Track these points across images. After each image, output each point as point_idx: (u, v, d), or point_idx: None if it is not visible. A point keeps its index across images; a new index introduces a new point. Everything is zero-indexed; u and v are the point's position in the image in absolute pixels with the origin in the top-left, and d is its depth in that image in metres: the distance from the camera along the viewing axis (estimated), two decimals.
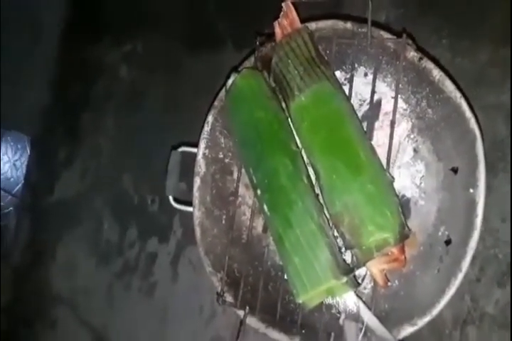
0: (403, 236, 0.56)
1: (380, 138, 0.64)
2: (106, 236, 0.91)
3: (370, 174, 0.58)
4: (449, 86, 0.60)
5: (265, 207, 0.60)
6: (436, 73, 0.60)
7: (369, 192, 0.57)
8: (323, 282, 0.55)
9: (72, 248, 0.95)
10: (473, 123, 0.59)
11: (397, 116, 0.62)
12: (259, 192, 0.61)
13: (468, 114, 0.59)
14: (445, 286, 0.56)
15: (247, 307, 0.63)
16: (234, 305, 0.65)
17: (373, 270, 0.59)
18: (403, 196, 0.64)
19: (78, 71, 1.00)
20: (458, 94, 0.59)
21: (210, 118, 0.69)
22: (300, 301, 0.56)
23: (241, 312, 0.64)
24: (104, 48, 0.97)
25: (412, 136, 0.64)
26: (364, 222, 0.55)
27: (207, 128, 0.70)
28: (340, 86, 0.63)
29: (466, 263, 0.58)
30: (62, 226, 0.96)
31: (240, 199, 0.70)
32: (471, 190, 0.58)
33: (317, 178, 0.59)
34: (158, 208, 0.87)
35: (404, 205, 0.63)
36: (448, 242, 0.59)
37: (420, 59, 0.60)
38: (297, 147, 0.61)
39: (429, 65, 0.60)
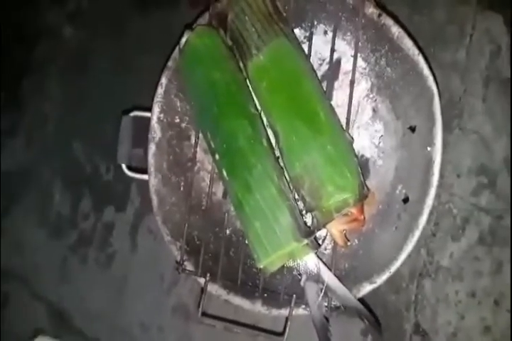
0: (362, 196, 0.57)
1: (339, 98, 0.64)
2: (57, 208, 0.89)
3: (330, 135, 0.58)
4: (407, 43, 0.59)
5: (224, 172, 0.59)
6: (395, 30, 0.60)
7: (328, 152, 0.57)
8: (284, 245, 0.55)
9: (21, 222, 0.92)
10: (430, 81, 0.59)
11: (357, 75, 0.62)
12: (217, 156, 0.60)
13: (426, 71, 0.59)
14: (403, 243, 0.58)
15: (208, 275, 0.63)
16: (194, 273, 0.65)
17: (333, 231, 0.60)
18: (362, 156, 0.65)
19: (17, 33, 0.97)
20: (416, 52, 0.59)
21: (163, 80, 0.67)
22: (261, 266, 0.56)
23: (202, 280, 0.64)
24: (44, 8, 0.92)
25: (371, 96, 0.64)
26: (324, 183, 0.55)
27: (160, 90, 0.67)
28: (298, 43, 0.62)
29: (423, 220, 0.59)
30: (8, 200, 0.92)
31: (198, 165, 0.69)
32: (429, 149, 0.59)
33: (277, 141, 0.58)
34: (113, 177, 0.84)
35: (363, 165, 0.63)
36: (405, 200, 0.60)
37: (379, 15, 0.60)
38: (256, 109, 0.60)
39: (388, 21, 0.60)
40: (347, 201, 0.54)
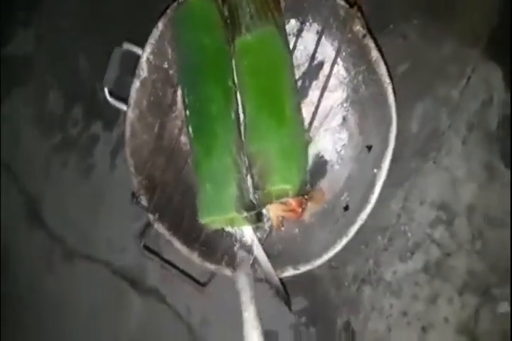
0: (302, 191, 0.61)
1: (313, 98, 0.65)
2: (50, 107, 0.91)
3: (290, 129, 0.62)
4: (382, 69, 0.62)
5: (190, 129, 0.62)
6: (374, 54, 0.62)
7: (284, 145, 0.61)
8: (225, 211, 0.60)
9: (18, 109, 0.95)
10: (393, 111, 0.62)
11: (336, 82, 0.66)
12: (188, 113, 0.63)
13: (391, 100, 0.62)
14: (331, 245, 0.63)
15: (157, 214, 0.69)
16: (146, 208, 0.69)
17: (271, 213, 0.66)
18: (322, 157, 0.68)
19: None
20: (387, 80, 0.62)
21: (160, 25, 0.68)
22: (202, 222, 0.62)
23: (151, 217, 0.69)
24: None
25: (344, 105, 0.66)
26: (272, 170, 0.59)
27: (156, 33, 0.69)
28: (286, 35, 0.65)
29: (352, 232, 0.64)
30: (9, 83, 0.95)
31: (176, 113, 0.72)
32: (375, 170, 0.63)
33: (244, 117, 0.61)
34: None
35: (321, 165, 0.68)
36: (346, 208, 0.65)
37: (364, 35, 0.62)
38: (233, 83, 0.62)
39: (370, 43, 0.62)
40: (287, 192, 0.59)
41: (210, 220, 0.62)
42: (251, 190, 0.62)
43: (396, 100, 0.64)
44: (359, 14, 0.62)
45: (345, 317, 0.73)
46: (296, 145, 0.60)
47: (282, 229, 0.67)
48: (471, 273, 0.68)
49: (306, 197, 0.62)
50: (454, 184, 0.69)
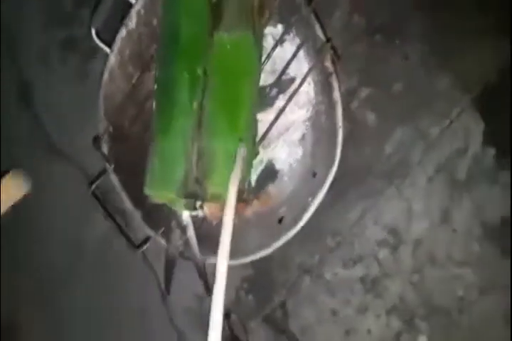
0: (238, 200, 0.63)
1: (277, 109, 0.66)
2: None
3: (240, 137, 0.64)
4: (338, 112, 0.64)
5: (154, 101, 0.63)
6: (336, 95, 0.64)
7: (230, 150, 0.63)
8: (165, 192, 0.61)
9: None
10: (338, 152, 0.64)
11: (305, 100, 0.67)
12: (155, 86, 0.63)
13: (339, 142, 0.64)
14: (257, 250, 0.67)
15: (113, 164, 0.69)
16: (105, 156, 0.70)
17: (206, 208, 0.71)
18: (273, 164, 0.70)
19: None
20: (340, 123, 0.64)
21: None
22: (145, 192, 0.62)
23: (107, 166, 0.70)
24: None
25: (306, 124, 0.67)
26: (214, 172, 0.61)
27: None
28: (261, 43, 0.66)
29: (277, 245, 0.68)
30: None
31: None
32: (309, 199, 0.66)
33: (205, 109, 0.61)
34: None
35: (272, 172, 0.70)
36: (280, 220, 0.67)
37: (329, 75, 0.63)
38: (204, 73, 0.62)
39: (334, 83, 0.63)
40: (221, 196, 0.61)
41: (152, 194, 0.62)
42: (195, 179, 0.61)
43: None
44: (331, 51, 0.62)
45: (282, 297, 0.78)
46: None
47: (214, 223, 0.71)
48: (401, 299, 0.72)
49: (242, 202, 0.64)
50: (409, 215, 0.71)
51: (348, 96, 0.71)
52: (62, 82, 0.86)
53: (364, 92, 0.73)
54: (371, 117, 0.73)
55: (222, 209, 0.61)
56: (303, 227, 0.63)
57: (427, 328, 0.71)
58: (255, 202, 0.68)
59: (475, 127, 0.68)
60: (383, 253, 0.72)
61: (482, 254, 0.69)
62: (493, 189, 0.68)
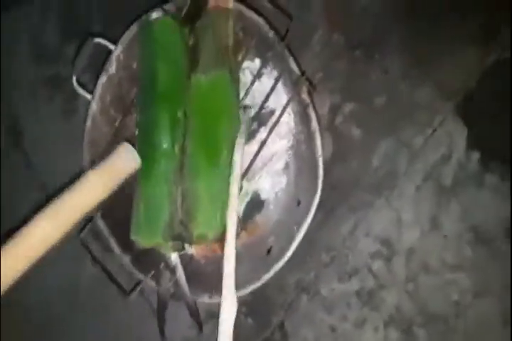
0: (223, 237, 0.64)
1: (259, 140, 0.67)
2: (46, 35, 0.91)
3: (222, 175, 0.64)
4: (317, 142, 0.64)
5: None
6: (314, 125, 0.63)
7: (213, 189, 0.64)
8: (151, 237, 0.63)
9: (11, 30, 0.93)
10: (320, 182, 0.64)
11: (286, 130, 0.68)
12: (136, 131, 0.65)
13: (320, 173, 0.64)
14: (247, 283, 0.67)
15: (102, 211, 0.71)
16: None
17: (193, 249, 0.71)
18: (259, 195, 0.71)
19: None
20: (320, 152, 0.64)
21: (133, 28, 0.69)
22: (132, 238, 0.63)
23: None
24: None
25: (289, 153, 0.68)
26: (197, 211, 0.62)
27: (128, 34, 0.69)
28: (238, 80, 0.66)
29: (268, 276, 0.68)
30: None
31: None
32: (295, 227, 0.66)
33: (186, 152, 0.63)
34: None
35: (258, 202, 0.71)
36: (269, 251, 0.67)
37: (306, 106, 0.63)
38: (184, 114, 0.63)
39: (312, 114, 0.63)
40: (207, 236, 0.64)
41: (139, 239, 0.63)
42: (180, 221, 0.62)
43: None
44: (307, 83, 0.62)
45: (280, 318, 0.78)
46: (225, 192, 0.62)
47: (203, 261, 0.71)
48: (398, 309, 0.72)
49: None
50: (399, 225, 0.71)
51: (332, 113, 0.72)
52: (50, 118, 0.90)
53: (347, 108, 0.73)
54: (356, 132, 0.73)
55: (209, 248, 0.64)
56: (297, 246, 0.65)
57: (425, 336, 0.71)
58: (243, 234, 0.68)
59: (458, 133, 0.69)
60: (377, 265, 0.72)
61: (475, 258, 0.69)
62: (480, 192, 0.68)
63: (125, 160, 0.62)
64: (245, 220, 0.69)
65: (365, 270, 0.73)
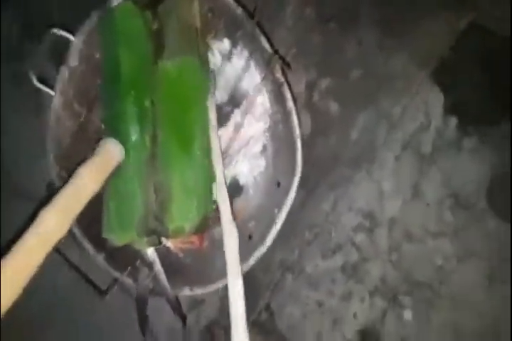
0: (202, 227, 0.62)
1: (236, 122, 0.66)
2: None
3: (196, 163, 0.61)
4: (294, 121, 0.60)
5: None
6: (290, 105, 0.60)
7: (187, 179, 0.60)
8: (125, 234, 0.60)
9: None
10: (299, 162, 0.61)
11: (261, 111, 0.65)
12: (103, 126, 0.62)
13: (298, 153, 0.61)
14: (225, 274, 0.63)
15: None
16: None
17: (170, 243, 0.68)
18: (237, 180, 0.69)
19: None
20: (297, 132, 0.60)
21: (94, 17, 0.65)
22: (104, 237, 0.61)
23: None
24: None
25: (266, 134, 0.66)
26: (172, 205, 0.60)
27: (88, 26, 0.66)
28: (207, 64, 0.63)
29: (252, 260, 0.65)
30: None
31: None
32: (276, 210, 0.63)
33: (157, 142, 0.60)
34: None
35: (236, 187, 0.69)
36: (250, 237, 0.65)
37: (281, 85, 0.60)
38: (151, 103, 0.61)
39: (287, 93, 0.60)
40: (184, 229, 0.60)
41: (112, 236, 0.60)
42: (154, 215, 0.60)
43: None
44: (280, 62, 0.59)
45: (266, 299, 0.78)
46: (200, 180, 0.59)
47: (181, 254, 0.68)
48: (383, 279, 0.72)
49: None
50: (381, 196, 0.71)
51: (308, 90, 0.70)
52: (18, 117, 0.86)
53: (324, 83, 0.71)
54: (334, 107, 0.71)
55: (186, 240, 0.61)
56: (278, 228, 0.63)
57: (410, 303, 0.71)
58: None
59: (435, 100, 0.68)
60: (360, 238, 0.72)
61: (456, 223, 0.69)
62: (459, 157, 0.68)
63: (111, 154, 0.59)
64: None
65: (348, 244, 0.72)
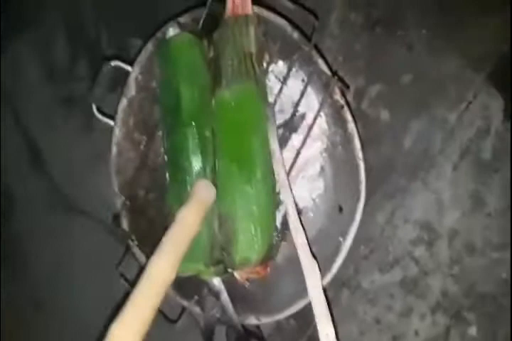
0: (267, 258, 0.60)
1: (294, 145, 0.64)
2: (56, 56, 0.89)
3: (259, 193, 0.59)
4: (356, 144, 0.58)
5: (167, 173, 0.61)
6: (351, 127, 0.58)
7: (251, 210, 0.59)
8: (191, 265, 0.59)
9: (21, 53, 0.92)
10: (362, 188, 0.59)
11: (318, 132, 0.62)
12: (166, 157, 0.61)
13: (362, 178, 0.59)
14: (292, 302, 0.63)
15: (137, 240, 0.68)
16: (125, 233, 0.68)
17: (236, 273, 0.65)
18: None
19: None
20: (360, 155, 0.58)
21: (149, 46, 0.65)
22: None
23: (131, 243, 0.68)
24: None
25: (323, 155, 0.63)
26: (236, 237, 0.59)
27: (144, 55, 0.66)
28: (265, 90, 0.61)
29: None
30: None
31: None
32: (340, 239, 0.61)
33: (217, 173, 0.59)
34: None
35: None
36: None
37: (341, 107, 0.58)
38: (211, 133, 0.60)
39: (347, 116, 0.58)
40: (250, 260, 0.59)
41: (179, 268, 0.59)
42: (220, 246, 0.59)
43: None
44: (339, 84, 0.57)
45: None
46: (264, 210, 0.58)
47: (247, 284, 0.66)
48: (444, 294, 0.69)
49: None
50: (439, 207, 0.67)
51: (357, 98, 0.67)
52: (69, 139, 0.87)
53: (373, 90, 0.68)
54: (385, 114, 0.68)
55: (252, 270, 0.60)
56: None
57: (474, 318, 0.68)
58: (284, 245, 0.63)
59: (494, 104, 0.64)
60: (419, 251, 0.68)
61: None
62: None
63: (206, 195, 0.59)
64: (284, 231, 0.64)
65: (406, 258, 0.69)
